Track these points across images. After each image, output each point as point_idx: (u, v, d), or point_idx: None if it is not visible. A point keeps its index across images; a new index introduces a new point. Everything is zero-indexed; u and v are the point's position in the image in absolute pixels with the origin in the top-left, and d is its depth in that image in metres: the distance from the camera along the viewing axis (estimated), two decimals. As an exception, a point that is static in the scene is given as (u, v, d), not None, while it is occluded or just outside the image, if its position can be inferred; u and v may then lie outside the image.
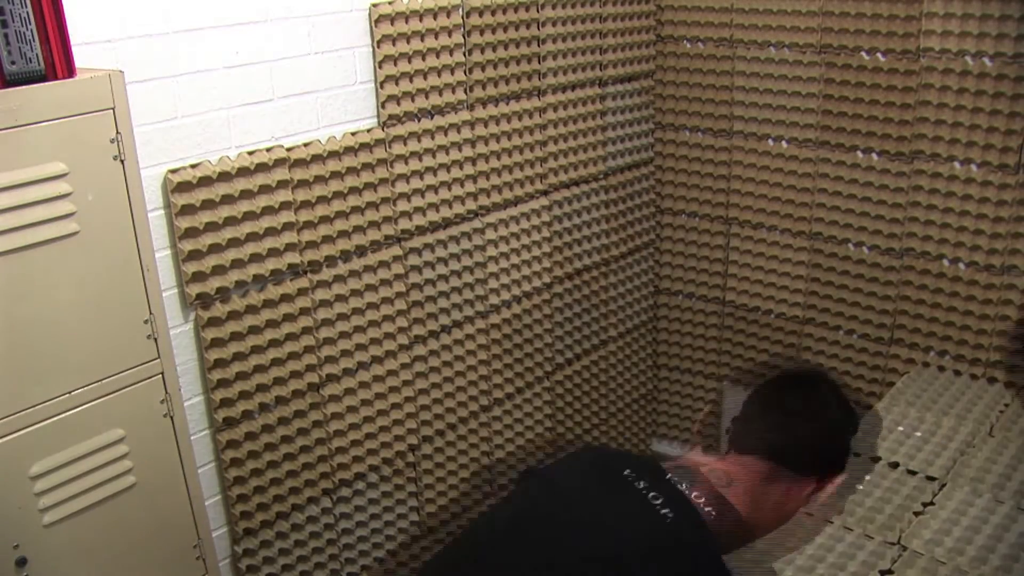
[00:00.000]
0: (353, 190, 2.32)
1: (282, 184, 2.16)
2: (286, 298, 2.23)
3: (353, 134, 2.31)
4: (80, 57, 1.60)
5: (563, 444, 3.25)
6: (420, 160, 2.47)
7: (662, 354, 3.61)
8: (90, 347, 1.65)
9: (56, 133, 1.52)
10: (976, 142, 2.66)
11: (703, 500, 1.55)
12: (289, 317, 2.25)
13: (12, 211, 1.49)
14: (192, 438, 2.04)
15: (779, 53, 2.96)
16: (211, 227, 2.05)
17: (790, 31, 2.91)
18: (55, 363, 1.61)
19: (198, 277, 2.05)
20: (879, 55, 2.76)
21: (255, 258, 2.14)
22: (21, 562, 1.61)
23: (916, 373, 2.92)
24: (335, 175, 2.27)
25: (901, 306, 2.96)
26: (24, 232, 1.52)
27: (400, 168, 2.43)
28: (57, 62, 1.52)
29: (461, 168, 2.60)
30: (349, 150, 2.29)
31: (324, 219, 2.27)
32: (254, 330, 2.18)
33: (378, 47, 2.32)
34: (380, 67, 2.34)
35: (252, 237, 2.13)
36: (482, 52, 2.58)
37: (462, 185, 2.62)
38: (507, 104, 2.70)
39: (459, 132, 2.57)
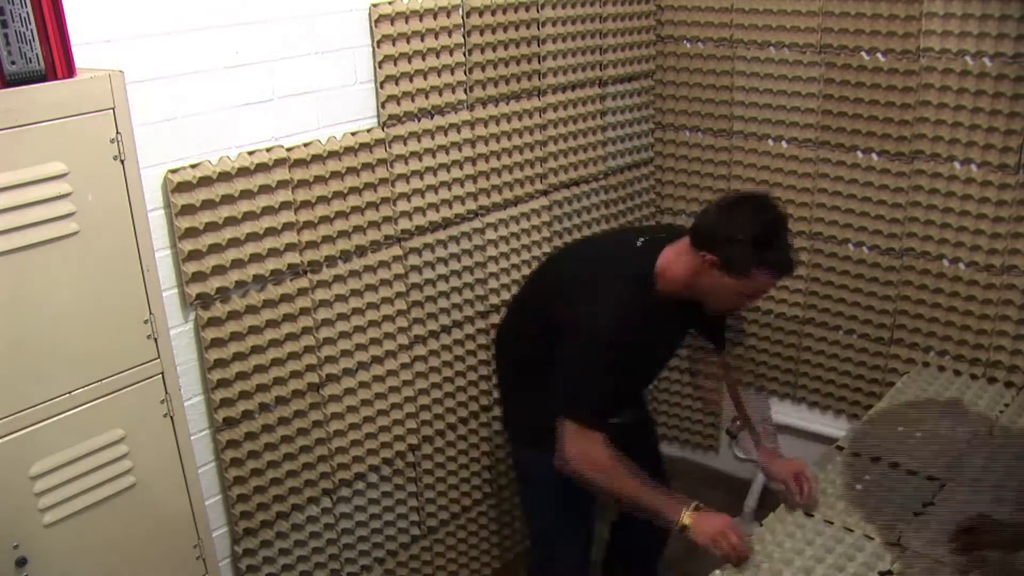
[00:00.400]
0: (353, 190, 2.32)
1: (282, 184, 2.16)
2: (286, 298, 2.23)
3: (353, 134, 2.31)
4: (80, 57, 1.59)
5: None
6: (420, 160, 2.47)
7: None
8: (90, 347, 1.65)
9: (56, 133, 1.52)
10: (976, 142, 2.66)
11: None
12: (289, 317, 2.25)
13: (12, 211, 1.49)
14: (192, 438, 2.04)
15: (779, 53, 2.96)
16: (211, 227, 2.05)
17: (790, 31, 2.91)
18: (55, 363, 1.60)
19: (198, 277, 2.05)
20: (879, 55, 2.76)
21: (255, 258, 2.14)
22: (21, 562, 1.61)
23: (916, 373, 2.92)
24: (335, 175, 2.27)
25: (901, 306, 2.96)
26: (24, 232, 1.51)
27: (400, 168, 2.43)
28: (57, 62, 1.52)
29: (461, 168, 2.60)
30: (349, 150, 2.29)
31: (324, 219, 2.27)
32: (254, 330, 2.18)
33: (378, 47, 2.32)
34: (380, 67, 2.34)
35: (252, 237, 2.13)
36: (482, 52, 2.58)
37: (462, 185, 2.62)
38: (507, 104, 2.70)
39: (459, 132, 2.57)
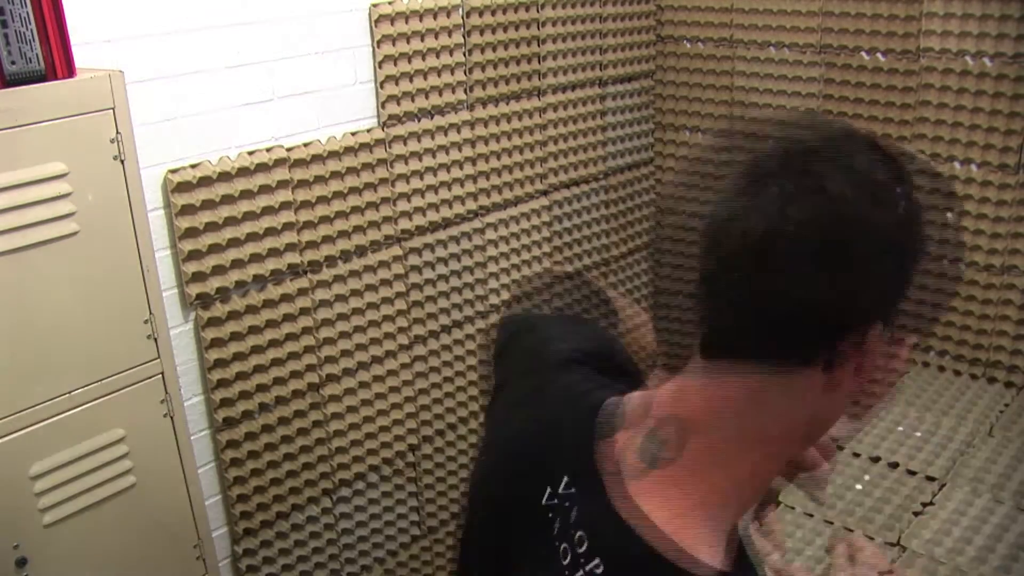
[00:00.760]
0: (353, 190, 2.32)
1: (282, 184, 2.16)
2: (286, 298, 2.23)
3: (353, 134, 2.31)
4: (80, 57, 1.59)
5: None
6: (420, 160, 2.47)
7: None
8: (90, 347, 1.65)
9: (56, 133, 1.52)
10: (976, 142, 2.66)
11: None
12: (289, 317, 2.25)
13: (12, 211, 1.49)
14: (192, 438, 2.04)
15: (779, 53, 2.96)
16: (211, 227, 2.05)
17: (790, 31, 2.91)
18: (55, 363, 1.60)
19: (198, 277, 2.05)
20: (879, 55, 2.76)
21: (255, 258, 2.14)
22: (21, 562, 1.61)
23: (916, 373, 2.92)
24: (335, 175, 2.27)
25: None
26: (24, 232, 1.51)
27: (400, 168, 2.43)
28: (57, 62, 1.52)
29: (461, 168, 2.60)
30: (349, 150, 2.29)
31: (324, 219, 2.27)
32: (254, 330, 2.18)
33: (378, 47, 2.32)
34: (380, 67, 2.34)
35: (252, 237, 2.13)
36: (482, 52, 2.58)
37: (462, 185, 2.62)
38: (507, 104, 2.70)
39: (459, 132, 2.57)
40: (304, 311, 2.28)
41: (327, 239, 2.29)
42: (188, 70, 1.99)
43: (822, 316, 0.77)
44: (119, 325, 1.68)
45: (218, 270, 2.08)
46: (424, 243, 2.54)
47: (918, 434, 2.54)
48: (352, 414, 2.47)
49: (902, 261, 0.80)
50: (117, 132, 1.60)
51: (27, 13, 1.46)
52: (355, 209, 2.33)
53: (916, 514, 2.20)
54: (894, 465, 2.41)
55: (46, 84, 1.51)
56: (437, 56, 2.45)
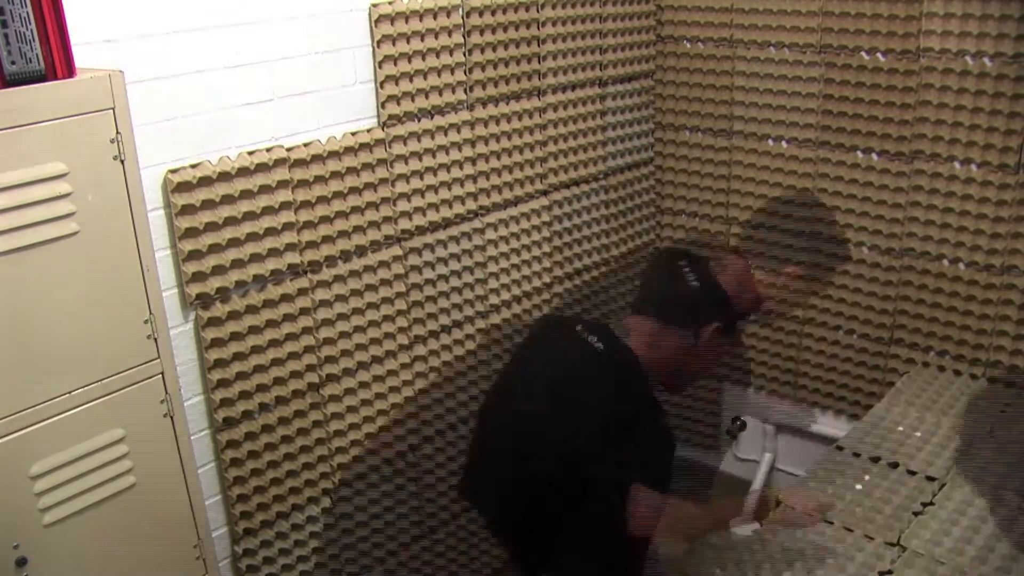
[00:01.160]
0: (353, 190, 2.32)
1: (282, 184, 2.16)
2: (286, 298, 2.23)
3: (353, 134, 2.31)
4: (80, 57, 1.59)
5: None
6: (420, 160, 2.47)
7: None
8: (90, 347, 1.65)
9: (56, 133, 1.52)
10: (976, 142, 2.66)
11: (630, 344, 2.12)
12: (289, 317, 2.25)
13: (12, 211, 1.49)
14: (192, 438, 2.04)
15: (779, 53, 2.96)
16: (211, 227, 2.05)
17: (790, 31, 2.91)
18: (55, 363, 1.61)
19: (198, 277, 2.05)
20: (879, 55, 2.76)
21: (255, 258, 2.14)
22: (21, 562, 1.61)
23: (916, 373, 2.92)
24: (335, 175, 2.28)
25: (901, 306, 2.96)
26: (24, 232, 1.51)
27: (400, 168, 2.43)
28: (57, 62, 1.52)
29: (461, 168, 2.60)
30: (349, 150, 2.29)
31: (324, 219, 2.27)
32: (254, 330, 2.18)
33: (378, 47, 2.32)
34: (380, 67, 2.34)
35: (252, 237, 2.13)
36: (482, 52, 2.58)
37: (462, 185, 2.62)
38: (507, 104, 2.70)
39: (459, 132, 2.57)
40: (304, 311, 2.28)
41: (327, 239, 2.29)
42: (188, 70, 1.99)
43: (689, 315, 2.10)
44: (119, 325, 1.68)
45: (218, 270, 2.08)
46: (424, 243, 2.54)
47: (918, 434, 2.54)
48: (352, 414, 2.47)
49: (707, 299, 2.11)
50: (117, 132, 1.60)
51: (27, 13, 1.46)
52: (355, 209, 2.34)
53: (916, 514, 2.20)
54: (894, 465, 2.41)
55: (46, 84, 1.51)
56: (437, 56, 2.45)
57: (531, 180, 2.85)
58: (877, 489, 2.31)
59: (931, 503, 2.24)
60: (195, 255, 2.03)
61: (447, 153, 2.55)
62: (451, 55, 2.49)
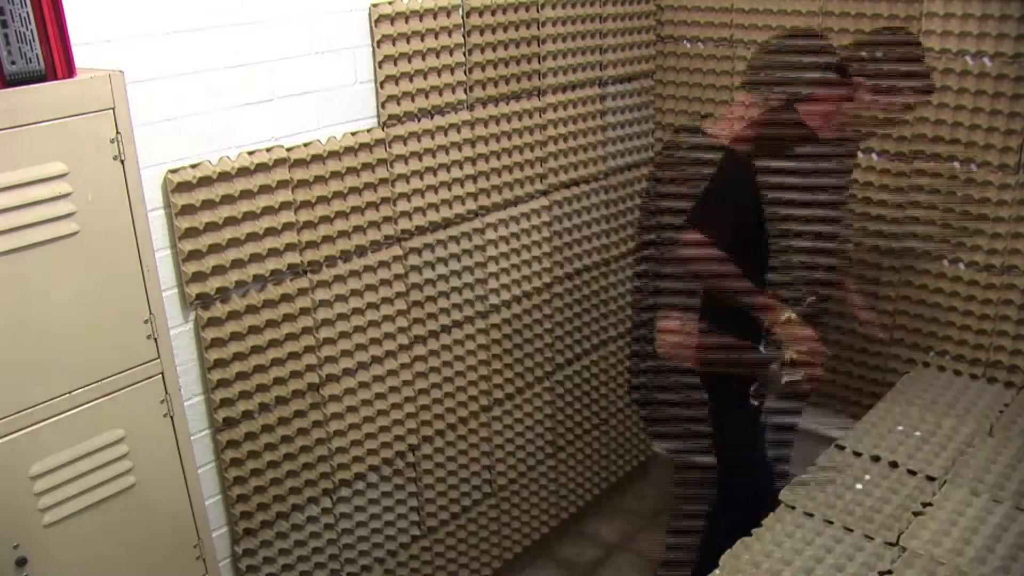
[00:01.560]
0: (353, 190, 2.32)
1: (282, 184, 2.16)
2: (286, 298, 2.23)
3: (353, 134, 2.31)
4: (80, 57, 1.60)
5: (563, 444, 3.25)
6: (420, 160, 2.47)
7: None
8: (90, 347, 1.65)
9: (56, 133, 1.52)
10: (976, 142, 2.66)
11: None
12: (289, 317, 2.25)
13: (12, 211, 1.49)
14: (192, 438, 2.04)
15: (779, 53, 2.96)
16: (211, 227, 2.05)
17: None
18: (55, 363, 1.61)
19: (198, 277, 2.05)
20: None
21: (255, 258, 2.14)
22: (21, 562, 1.61)
23: (916, 373, 2.92)
24: (335, 175, 2.28)
25: (901, 306, 2.96)
26: (24, 232, 1.51)
27: (400, 168, 2.43)
28: (57, 62, 1.52)
29: (461, 168, 2.60)
30: (349, 150, 2.29)
31: (324, 219, 2.27)
32: (254, 330, 2.18)
33: (378, 47, 2.32)
34: (380, 67, 2.34)
35: (252, 237, 2.13)
36: (482, 52, 2.58)
37: (462, 185, 2.62)
38: (507, 104, 2.70)
39: (459, 132, 2.57)
40: (304, 311, 2.28)
41: (327, 239, 2.29)
42: (188, 70, 1.99)
43: None
44: (119, 325, 1.68)
45: (218, 270, 2.08)
46: (424, 243, 2.54)
47: (918, 434, 2.54)
48: (352, 414, 2.47)
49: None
50: (117, 132, 1.60)
51: (27, 13, 1.46)
52: (355, 209, 2.34)
53: (916, 514, 2.20)
54: (894, 465, 2.41)
55: (46, 84, 1.51)
56: (437, 56, 2.45)
57: (531, 180, 2.85)
58: (877, 489, 2.31)
59: (931, 503, 2.24)
60: (195, 255, 2.03)
61: (447, 153, 2.55)
62: (451, 55, 2.49)
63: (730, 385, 2.53)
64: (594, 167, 3.08)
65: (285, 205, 2.18)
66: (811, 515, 2.24)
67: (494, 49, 2.61)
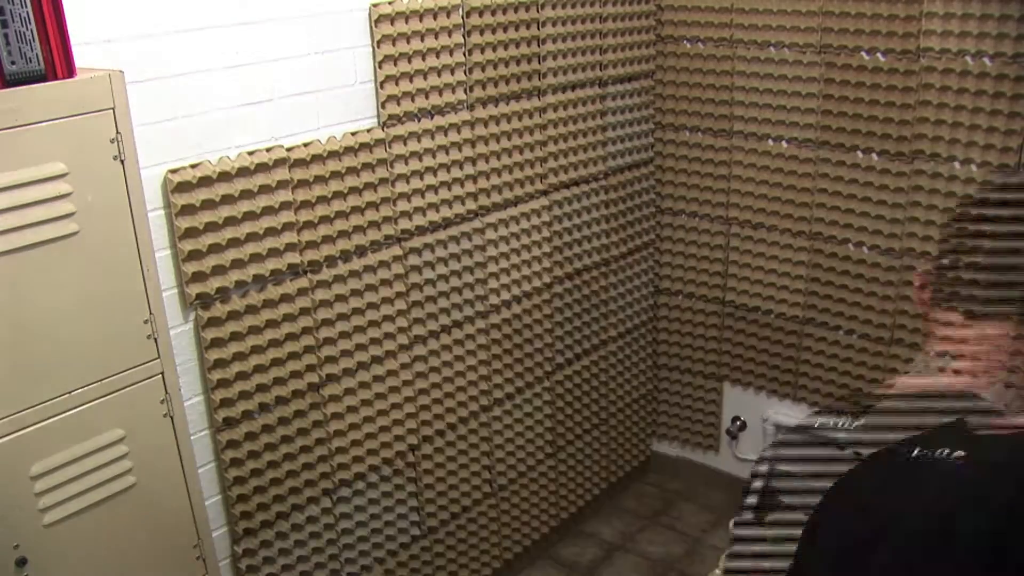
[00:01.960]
0: (353, 190, 2.32)
1: (282, 184, 2.16)
2: (286, 298, 2.23)
3: (353, 134, 2.31)
4: (80, 57, 1.60)
5: (563, 444, 3.25)
6: (420, 160, 2.47)
7: (662, 354, 3.61)
8: (90, 347, 1.65)
9: (56, 133, 1.52)
10: (976, 142, 2.66)
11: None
12: (289, 317, 2.25)
13: (12, 211, 1.49)
14: (192, 438, 2.04)
15: (779, 53, 2.96)
16: (211, 227, 2.05)
17: (790, 31, 2.91)
18: (55, 363, 1.60)
19: (198, 277, 2.05)
20: (879, 55, 2.76)
21: (255, 258, 2.14)
22: (21, 562, 1.61)
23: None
24: (335, 175, 2.27)
25: (901, 306, 2.96)
26: (24, 232, 1.52)
27: (400, 168, 2.43)
28: (57, 62, 1.52)
29: (461, 168, 2.60)
30: (349, 150, 2.29)
31: (324, 219, 2.27)
32: (254, 330, 2.18)
33: (378, 47, 2.32)
34: (380, 67, 2.34)
35: (252, 237, 2.13)
36: (482, 52, 2.58)
37: (462, 185, 2.62)
38: (507, 104, 2.70)
39: (459, 132, 2.57)
40: (304, 311, 2.28)
41: (327, 239, 2.29)
42: (188, 70, 1.99)
43: None
44: (119, 325, 1.68)
45: (218, 270, 2.08)
46: (424, 243, 2.54)
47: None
48: (352, 414, 2.47)
49: None
50: (117, 132, 1.60)
51: (27, 13, 1.46)
52: (355, 209, 2.33)
53: (916, 514, 2.20)
54: (894, 465, 2.40)
55: (46, 84, 1.51)
56: (437, 56, 2.45)
57: (531, 180, 2.85)
58: (877, 489, 2.31)
59: (931, 503, 2.23)
60: (195, 255, 2.03)
61: (447, 153, 2.55)
62: (451, 55, 2.49)
63: None
64: (594, 167, 3.08)
65: (285, 205, 2.18)
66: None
67: (494, 49, 2.61)
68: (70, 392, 1.64)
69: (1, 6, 1.43)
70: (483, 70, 2.60)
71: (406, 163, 2.44)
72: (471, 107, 2.59)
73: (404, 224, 2.48)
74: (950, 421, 1.30)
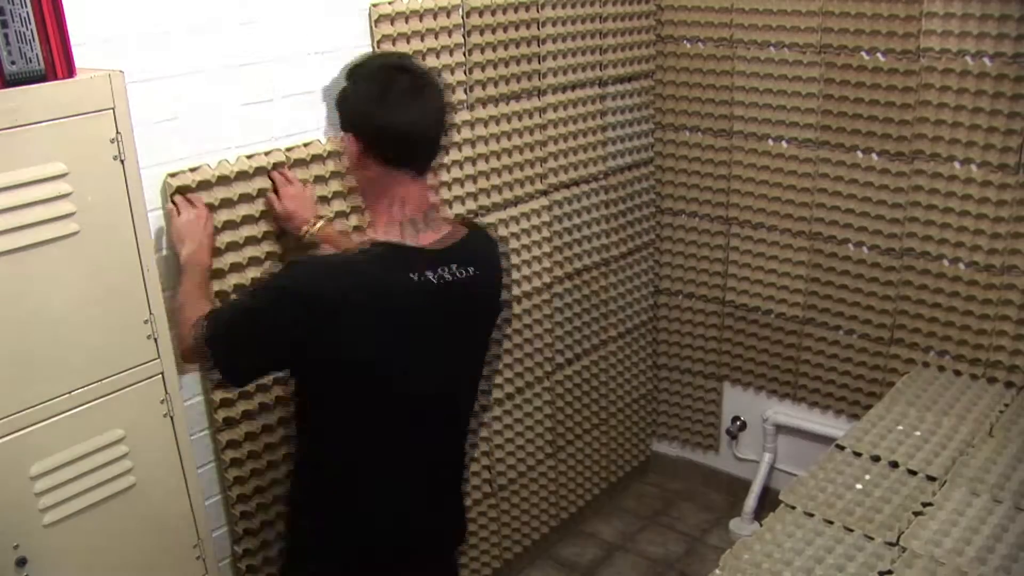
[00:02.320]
0: (354, 190, 2.32)
1: (282, 184, 2.16)
2: (286, 298, 2.23)
3: (353, 134, 2.30)
4: (80, 57, 1.59)
5: (563, 444, 3.25)
6: (420, 160, 2.47)
7: (662, 354, 3.61)
8: (90, 347, 1.64)
9: (56, 133, 1.52)
10: (976, 142, 2.66)
11: None
12: (289, 317, 2.24)
13: (12, 211, 1.49)
14: (192, 438, 2.04)
15: (779, 53, 2.96)
16: (211, 227, 2.04)
17: (790, 31, 2.91)
18: (55, 363, 1.60)
19: (198, 277, 2.05)
20: (879, 55, 2.76)
21: (254, 261, 2.14)
22: (21, 562, 1.61)
23: (916, 373, 2.91)
24: (335, 175, 2.27)
25: (901, 306, 2.96)
26: (24, 232, 1.51)
27: (400, 168, 2.42)
28: (57, 62, 1.52)
29: (461, 168, 2.60)
30: (349, 150, 2.29)
31: (324, 219, 2.27)
32: (254, 330, 2.18)
33: (378, 47, 2.32)
34: (380, 67, 2.33)
35: (251, 241, 2.12)
36: (482, 52, 2.58)
37: (462, 185, 2.62)
38: (507, 104, 2.70)
39: (459, 132, 2.57)
40: (304, 311, 2.27)
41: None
42: (188, 70, 1.99)
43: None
44: (119, 325, 1.68)
45: (217, 274, 2.08)
46: (424, 243, 2.54)
47: (918, 434, 2.54)
48: (352, 414, 2.47)
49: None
50: (117, 132, 1.60)
51: (27, 13, 1.46)
52: (355, 209, 2.33)
53: (916, 514, 2.20)
54: (894, 465, 2.41)
55: (46, 84, 1.50)
56: (437, 56, 2.45)
57: (531, 180, 2.85)
58: (877, 489, 2.31)
59: (931, 503, 2.24)
60: (195, 255, 2.03)
61: (447, 153, 2.55)
62: (451, 55, 2.49)
63: None
64: (594, 167, 3.08)
65: (285, 205, 2.17)
66: (811, 515, 2.24)
67: (494, 49, 2.61)
68: (70, 392, 1.63)
69: (1, 6, 1.43)
70: (483, 70, 2.60)
71: (406, 163, 2.43)
72: (471, 107, 2.59)
73: (404, 224, 2.47)
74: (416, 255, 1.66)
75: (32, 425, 1.59)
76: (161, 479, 1.82)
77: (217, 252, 2.07)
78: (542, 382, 3.08)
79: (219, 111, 2.06)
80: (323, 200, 2.26)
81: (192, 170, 2.00)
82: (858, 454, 2.47)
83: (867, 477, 2.37)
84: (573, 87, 2.92)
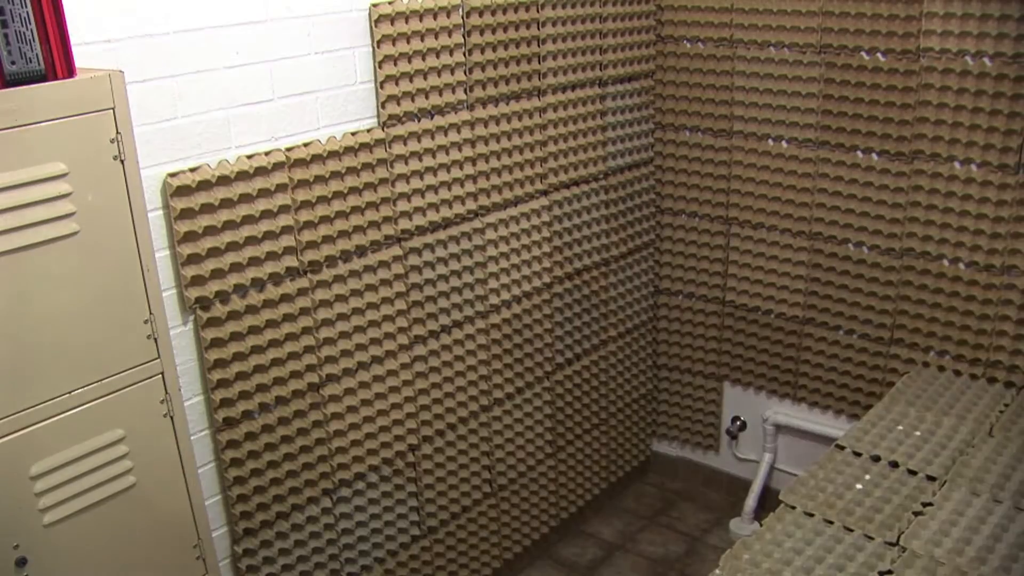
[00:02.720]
0: (353, 190, 2.32)
1: (281, 188, 2.16)
2: (286, 298, 2.23)
3: (353, 134, 2.31)
4: (80, 57, 1.60)
5: (563, 444, 3.25)
6: (420, 160, 2.47)
7: (662, 354, 3.61)
8: (90, 347, 1.65)
9: (56, 133, 1.52)
10: (976, 142, 2.66)
11: None
12: (289, 317, 2.25)
13: (12, 211, 1.49)
14: (192, 438, 2.04)
15: (779, 53, 2.96)
16: (210, 231, 2.04)
17: (790, 31, 2.91)
18: (55, 363, 1.60)
19: (197, 281, 2.05)
20: (879, 55, 2.76)
21: (253, 261, 2.14)
22: (21, 562, 1.61)
23: (916, 373, 2.92)
24: (335, 175, 2.28)
25: (901, 306, 2.96)
26: (24, 232, 1.51)
27: (400, 168, 2.43)
28: (57, 62, 1.52)
29: (461, 168, 2.60)
30: (349, 150, 2.29)
31: (324, 219, 2.27)
32: (254, 330, 2.18)
33: (378, 47, 2.32)
34: (380, 67, 2.34)
35: (251, 241, 2.13)
36: (482, 52, 2.58)
37: (462, 185, 2.62)
38: (507, 104, 2.71)
39: (459, 132, 2.57)
40: (304, 311, 2.28)
41: (327, 239, 2.29)
42: (188, 70, 1.99)
43: None
44: (119, 325, 1.68)
45: (216, 274, 2.08)
46: (424, 243, 2.54)
47: (918, 434, 2.54)
48: (352, 414, 2.47)
49: None
50: (117, 132, 1.60)
51: (27, 13, 1.46)
52: (355, 209, 2.34)
53: (916, 514, 2.20)
54: (894, 465, 2.41)
55: (46, 84, 1.50)
56: (437, 56, 2.45)
57: (531, 180, 2.85)
58: (877, 489, 2.31)
59: (931, 503, 2.24)
60: (194, 259, 2.03)
61: (447, 153, 2.55)
62: (451, 55, 2.49)
63: None
64: (594, 167, 3.08)
65: (284, 208, 2.17)
66: (811, 515, 2.24)
67: (494, 49, 2.61)
68: (70, 392, 1.64)
69: (1, 6, 1.43)
70: (483, 70, 2.60)
71: (406, 163, 2.44)
72: (471, 107, 2.59)
73: (404, 224, 2.48)
74: None
75: (32, 425, 1.59)
76: (161, 479, 1.82)
77: (217, 252, 2.07)
78: (542, 382, 3.09)
79: (219, 111, 2.06)
80: (323, 200, 2.26)
81: (192, 170, 2.01)
82: (858, 454, 2.47)
83: (867, 477, 2.37)
84: (573, 87, 2.92)
